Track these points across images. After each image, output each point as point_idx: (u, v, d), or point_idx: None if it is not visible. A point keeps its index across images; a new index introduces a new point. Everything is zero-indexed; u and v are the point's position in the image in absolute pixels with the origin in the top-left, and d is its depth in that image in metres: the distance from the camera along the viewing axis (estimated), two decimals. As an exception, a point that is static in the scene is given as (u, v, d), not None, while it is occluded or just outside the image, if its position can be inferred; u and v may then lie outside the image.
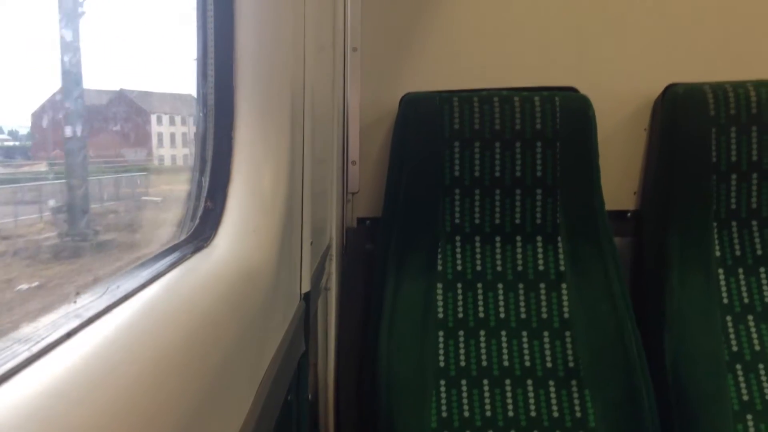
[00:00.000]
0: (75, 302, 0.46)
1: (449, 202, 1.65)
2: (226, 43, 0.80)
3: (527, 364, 1.56)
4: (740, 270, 1.61)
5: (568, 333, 1.57)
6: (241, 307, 0.66)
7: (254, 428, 0.64)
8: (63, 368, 0.37)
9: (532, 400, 1.54)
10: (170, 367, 0.45)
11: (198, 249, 0.70)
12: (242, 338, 0.64)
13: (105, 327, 0.44)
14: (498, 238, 1.64)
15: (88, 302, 0.47)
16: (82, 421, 0.33)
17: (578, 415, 1.51)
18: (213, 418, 0.51)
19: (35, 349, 0.38)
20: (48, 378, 0.36)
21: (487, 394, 1.55)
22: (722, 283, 1.60)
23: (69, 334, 0.41)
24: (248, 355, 0.66)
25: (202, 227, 0.76)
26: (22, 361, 0.36)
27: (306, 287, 1.05)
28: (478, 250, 1.64)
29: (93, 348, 0.41)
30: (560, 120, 1.62)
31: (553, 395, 1.54)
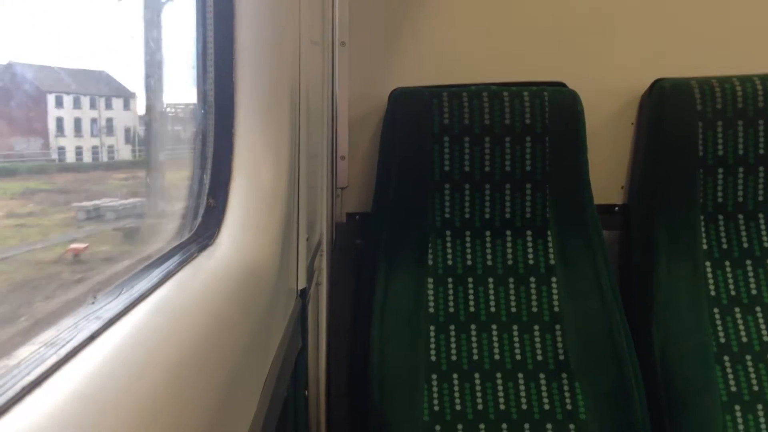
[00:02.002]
0: (93, 303, 0.46)
1: (439, 197, 1.65)
2: (226, 40, 0.79)
3: (518, 357, 1.57)
4: (727, 263, 1.63)
5: (558, 326, 1.58)
6: (248, 305, 0.66)
7: (263, 424, 0.64)
8: (91, 372, 0.37)
9: (523, 393, 1.55)
10: (191, 367, 0.45)
11: (203, 247, 0.70)
12: (251, 336, 0.64)
13: (126, 328, 0.44)
14: (488, 233, 1.65)
15: (106, 303, 0.47)
16: (117, 425, 0.33)
17: (568, 407, 1.53)
18: (229, 415, 0.51)
19: (63, 352, 0.37)
20: (78, 382, 0.35)
21: (478, 388, 1.55)
22: (709, 275, 1.62)
23: (92, 337, 0.41)
24: (256, 353, 0.66)
25: (205, 225, 0.76)
26: (51, 365, 0.36)
27: (302, 284, 1.05)
28: (468, 244, 1.65)
29: (117, 350, 0.41)
30: (549, 115, 1.63)
31: (543, 388, 1.55)
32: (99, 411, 0.33)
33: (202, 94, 0.81)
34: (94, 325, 0.42)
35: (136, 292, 0.50)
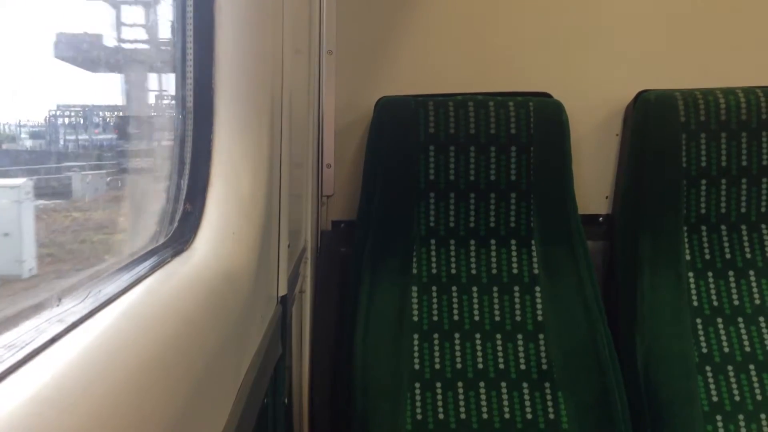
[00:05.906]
0: (57, 306, 0.46)
1: (424, 205, 1.65)
2: (205, 46, 0.79)
3: (501, 366, 1.58)
4: (709, 273, 1.64)
5: (541, 335, 1.58)
6: (221, 310, 0.65)
7: (235, 430, 0.63)
8: (50, 374, 0.37)
9: (506, 402, 1.55)
10: (155, 372, 0.44)
11: (178, 252, 0.70)
12: (223, 342, 0.63)
13: (89, 332, 0.44)
14: (473, 242, 1.65)
15: (71, 306, 0.47)
16: (73, 427, 0.33)
17: (551, 416, 1.53)
18: (196, 422, 0.51)
19: (20, 354, 0.37)
20: (36, 384, 0.35)
21: (461, 397, 1.55)
22: (692, 286, 1.63)
23: (53, 340, 0.40)
24: (229, 359, 0.66)
25: (180, 230, 0.75)
26: (8, 367, 0.35)
27: (283, 290, 1.04)
28: (452, 253, 1.65)
29: (79, 353, 0.40)
30: (534, 125, 1.64)
31: (526, 397, 1.55)
32: (54, 413, 0.33)
33: (180, 99, 0.81)
34: (56, 328, 0.42)
35: (103, 296, 0.50)
